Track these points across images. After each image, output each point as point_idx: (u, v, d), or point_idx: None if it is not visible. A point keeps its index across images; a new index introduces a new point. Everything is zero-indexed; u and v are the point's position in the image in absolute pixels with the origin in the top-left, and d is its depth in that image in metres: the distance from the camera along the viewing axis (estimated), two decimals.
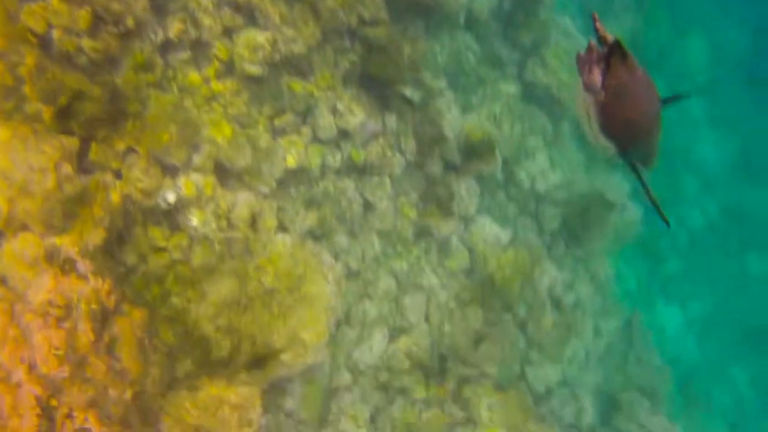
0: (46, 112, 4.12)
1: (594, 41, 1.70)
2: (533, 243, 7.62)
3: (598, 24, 1.67)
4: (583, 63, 1.72)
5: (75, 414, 3.89)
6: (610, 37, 1.65)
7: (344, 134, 5.91)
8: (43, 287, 3.93)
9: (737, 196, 12.00)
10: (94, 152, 4.38)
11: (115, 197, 4.40)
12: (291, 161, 5.46)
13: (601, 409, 8.51)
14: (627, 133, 1.82)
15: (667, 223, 1.94)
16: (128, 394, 4.19)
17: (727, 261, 11.81)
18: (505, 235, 7.26)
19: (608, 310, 8.66)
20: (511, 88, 7.57)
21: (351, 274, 6.17)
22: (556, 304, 7.75)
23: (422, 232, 6.78)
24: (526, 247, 7.38)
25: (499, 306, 6.99)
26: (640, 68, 1.72)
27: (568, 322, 7.73)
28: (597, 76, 1.68)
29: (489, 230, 7.14)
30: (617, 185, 8.72)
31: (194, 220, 4.82)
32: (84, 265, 4.14)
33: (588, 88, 1.72)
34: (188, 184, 4.81)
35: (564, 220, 7.97)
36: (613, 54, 1.63)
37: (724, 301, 11.49)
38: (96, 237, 4.23)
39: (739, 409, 11.30)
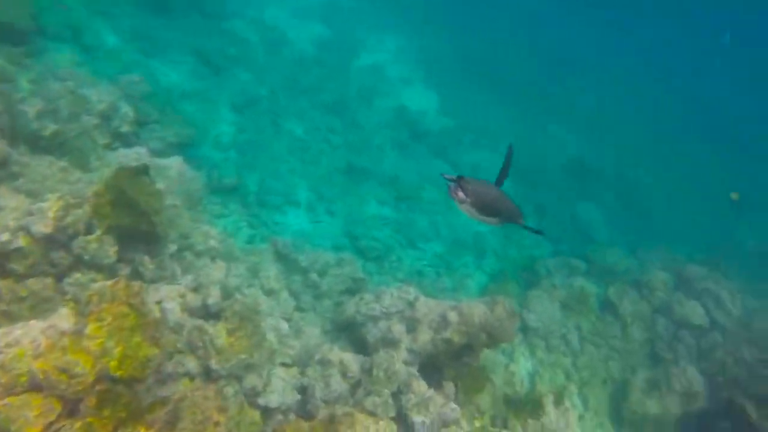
0: None
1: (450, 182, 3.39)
2: None
3: (446, 176, 3.39)
4: (451, 193, 3.37)
5: None
6: (454, 177, 3.36)
7: None
8: None
9: None
10: None
11: None
12: None
13: None
14: (493, 211, 3.51)
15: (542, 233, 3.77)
16: None
17: None
18: None
19: None
20: None
21: None
22: None
23: None
24: None
25: None
26: (477, 180, 3.44)
27: None
28: (461, 195, 3.34)
29: None
30: None
31: None
32: None
33: (462, 202, 3.38)
34: None
35: None
36: (460, 181, 3.35)
37: None
38: None
39: None
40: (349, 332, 7.75)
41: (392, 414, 6.36)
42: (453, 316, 7.14)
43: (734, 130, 23.62)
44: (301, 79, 14.05)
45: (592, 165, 16.13)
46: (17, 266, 5.62)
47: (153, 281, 6.58)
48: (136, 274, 6.51)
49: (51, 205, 5.85)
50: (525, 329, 9.66)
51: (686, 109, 24.33)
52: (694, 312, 10.10)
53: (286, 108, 12.85)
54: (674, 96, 25.16)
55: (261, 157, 11.10)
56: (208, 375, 5.93)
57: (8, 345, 4.58)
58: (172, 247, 7.06)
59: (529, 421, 7.73)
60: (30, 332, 4.74)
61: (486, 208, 3.44)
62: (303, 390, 6.54)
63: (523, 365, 9.17)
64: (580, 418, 8.39)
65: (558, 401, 7.51)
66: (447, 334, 7.03)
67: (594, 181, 15.67)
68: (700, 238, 14.04)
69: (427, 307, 7.58)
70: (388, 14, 20.17)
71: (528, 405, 7.98)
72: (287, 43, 15.39)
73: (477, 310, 7.20)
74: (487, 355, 8.13)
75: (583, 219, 14.22)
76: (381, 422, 5.99)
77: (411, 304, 7.64)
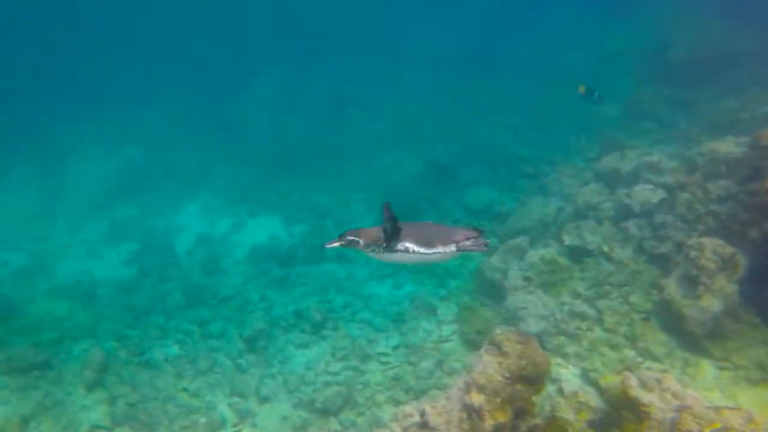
0: None
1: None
2: None
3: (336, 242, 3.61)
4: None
5: None
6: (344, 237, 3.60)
7: None
8: None
9: None
10: None
11: None
12: None
13: None
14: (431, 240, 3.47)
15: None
16: None
17: None
18: None
19: None
20: None
21: None
22: None
23: None
24: None
25: None
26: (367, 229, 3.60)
27: None
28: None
29: None
30: None
31: None
32: None
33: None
34: None
35: None
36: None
37: None
38: None
39: None
40: None
41: None
42: (475, 398, 5.24)
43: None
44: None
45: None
46: None
47: None
48: None
49: None
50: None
51: None
52: (645, 193, 9.16)
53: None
54: None
55: None
56: None
57: None
58: None
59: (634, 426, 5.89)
60: None
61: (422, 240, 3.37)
62: None
63: (570, 376, 7.43)
64: (664, 371, 6.72)
65: (639, 381, 5.76)
66: (486, 425, 5.09)
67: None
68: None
69: (437, 411, 5.62)
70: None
71: (616, 402, 6.18)
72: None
73: (489, 368, 5.38)
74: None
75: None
76: None
77: (422, 424, 5.64)
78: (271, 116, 21.14)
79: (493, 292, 9.74)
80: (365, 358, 9.43)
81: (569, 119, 15.53)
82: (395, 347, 9.53)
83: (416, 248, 3.29)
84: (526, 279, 9.23)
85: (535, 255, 9.53)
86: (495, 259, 10.00)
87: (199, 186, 17.30)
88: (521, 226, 10.83)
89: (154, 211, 16.36)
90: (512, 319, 8.79)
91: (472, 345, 8.67)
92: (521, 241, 10.14)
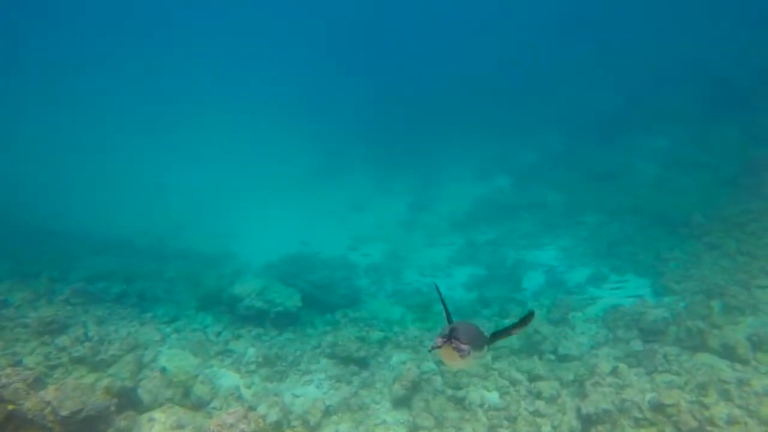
0: None
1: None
2: None
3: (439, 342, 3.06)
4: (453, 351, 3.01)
5: None
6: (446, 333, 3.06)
7: None
8: None
9: None
10: None
11: None
12: None
13: None
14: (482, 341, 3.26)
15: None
16: None
17: None
18: None
19: None
20: None
21: None
22: None
23: None
24: None
25: None
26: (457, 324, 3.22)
27: None
28: (464, 347, 3.00)
29: None
30: None
31: None
32: None
33: (464, 354, 3.01)
34: None
35: None
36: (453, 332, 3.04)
37: None
38: None
39: None
40: None
41: None
42: None
43: None
44: None
45: None
46: None
47: None
48: None
49: None
50: None
51: None
52: None
53: None
54: None
55: None
56: None
57: None
58: None
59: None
60: None
61: (476, 341, 3.14)
62: None
63: None
64: None
65: None
66: None
67: None
68: None
69: None
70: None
71: None
72: None
73: None
74: None
75: None
76: None
77: None
78: (662, 170, 18.24)
79: None
80: None
81: None
82: None
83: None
84: None
85: None
86: None
87: (562, 227, 15.96)
88: None
89: (509, 242, 15.78)
90: None
91: None
92: None
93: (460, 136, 25.56)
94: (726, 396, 8.31)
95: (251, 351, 10.41)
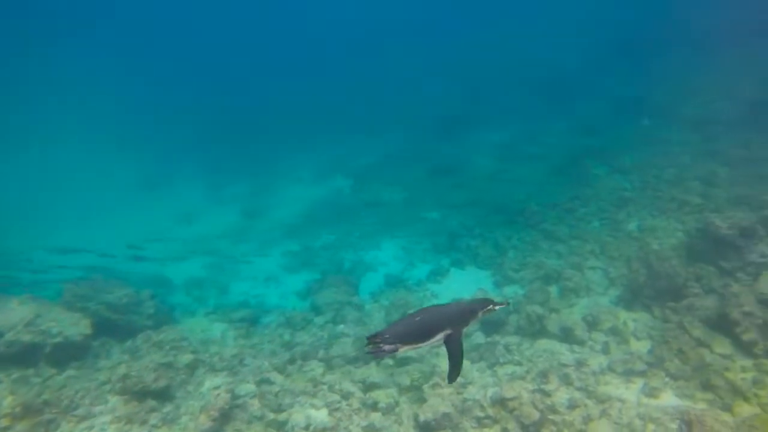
0: None
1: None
2: None
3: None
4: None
5: None
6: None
7: None
8: None
9: None
10: None
11: None
12: None
13: None
14: (427, 332, 3.46)
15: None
16: None
17: None
18: None
19: None
20: None
21: None
22: None
23: None
24: None
25: None
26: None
27: None
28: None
29: None
30: None
31: None
32: None
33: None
34: None
35: None
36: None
37: None
38: None
39: None
40: None
41: None
42: None
43: None
44: None
45: None
46: None
47: None
48: None
49: None
50: None
51: None
52: None
53: None
54: None
55: None
56: None
57: None
58: None
59: None
60: None
61: (416, 334, 3.31)
62: None
63: None
64: None
65: None
66: None
67: None
68: None
69: None
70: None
71: None
72: None
73: None
74: None
75: None
76: None
77: None
78: (498, 163, 18.53)
79: None
80: None
81: None
82: None
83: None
84: None
85: None
86: None
87: (402, 225, 15.27)
88: None
89: (347, 244, 14.71)
90: None
91: None
92: None
93: (300, 140, 24.33)
94: (566, 380, 7.96)
95: (7, 401, 7.89)
